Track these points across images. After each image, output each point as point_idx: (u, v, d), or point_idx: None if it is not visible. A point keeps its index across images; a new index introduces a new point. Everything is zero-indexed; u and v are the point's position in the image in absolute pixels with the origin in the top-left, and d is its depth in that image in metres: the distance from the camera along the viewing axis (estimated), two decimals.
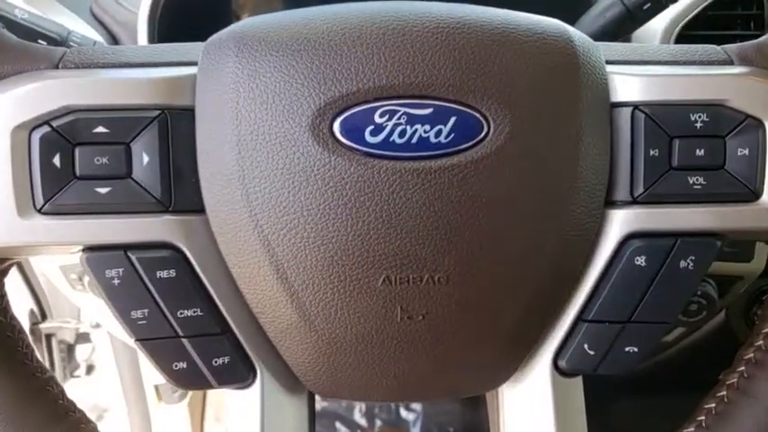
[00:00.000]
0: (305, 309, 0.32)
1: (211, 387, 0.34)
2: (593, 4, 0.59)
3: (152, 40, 0.71)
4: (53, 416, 0.35)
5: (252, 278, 0.32)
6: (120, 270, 0.31)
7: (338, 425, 1.21)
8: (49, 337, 1.15)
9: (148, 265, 0.31)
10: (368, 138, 0.30)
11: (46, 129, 0.30)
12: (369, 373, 0.34)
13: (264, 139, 0.30)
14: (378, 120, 0.30)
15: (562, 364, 0.36)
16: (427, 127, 0.30)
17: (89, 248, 0.31)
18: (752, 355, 0.36)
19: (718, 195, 0.33)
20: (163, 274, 0.31)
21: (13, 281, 1.03)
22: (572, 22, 0.61)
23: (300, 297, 0.31)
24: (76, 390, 1.21)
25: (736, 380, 0.36)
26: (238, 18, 0.85)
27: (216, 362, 0.33)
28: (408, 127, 0.30)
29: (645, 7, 0.54)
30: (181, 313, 0.32)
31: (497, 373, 0.36)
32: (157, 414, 1.16)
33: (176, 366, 0.33)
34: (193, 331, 0.32)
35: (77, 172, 0.30)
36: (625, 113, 0.33)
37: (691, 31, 0.70)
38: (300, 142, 0.30)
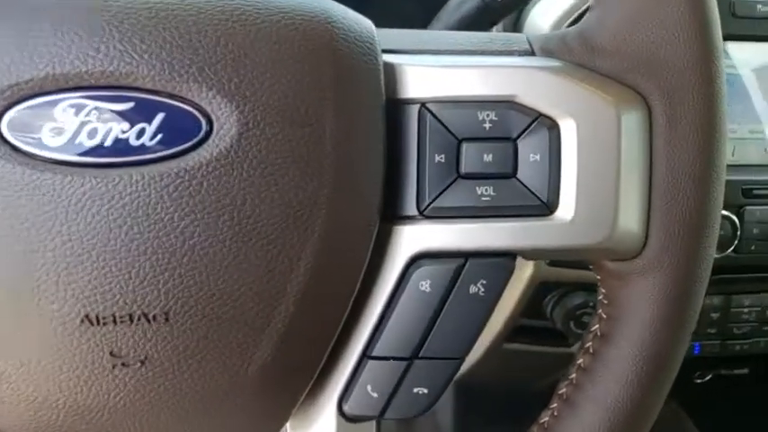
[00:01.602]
0: None
1: None
2: None
3: None
4: None
5: None
6: None
7: None
8: None
9: None
10: (46, 139, 0.24)
11: None
12: None
13: None
14: (59, 116, 0.24)
15: (346, 407, 0.30)
16: (126, 125, 0.24)
17: None
18: (564, 390, 0.32)
19: (509, 209, 0.28)
20: None
21: None
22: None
23: None
24: None
25: (547, 419, 0.32)
26: None
27: None
28: (101, 125, 0.24)
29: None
30: None
31: (260, 423, 0.30)
32: None
33: None
34: None
35: None
36: (411, 112, 0.28)
37: None
38: None
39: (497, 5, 0.50)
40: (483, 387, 1.00)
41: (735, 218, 0.61)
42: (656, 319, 0.29)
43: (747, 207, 0.61)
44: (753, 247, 0.62)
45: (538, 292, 0.71)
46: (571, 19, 0.66)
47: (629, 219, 0.28)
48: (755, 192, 0.62)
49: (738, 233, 0.60)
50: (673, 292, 0.28)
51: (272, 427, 0.31)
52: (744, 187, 0.61)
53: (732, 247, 0.61)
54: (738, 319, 0.69)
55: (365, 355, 0.30)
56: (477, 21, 0.52)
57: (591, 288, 0.70)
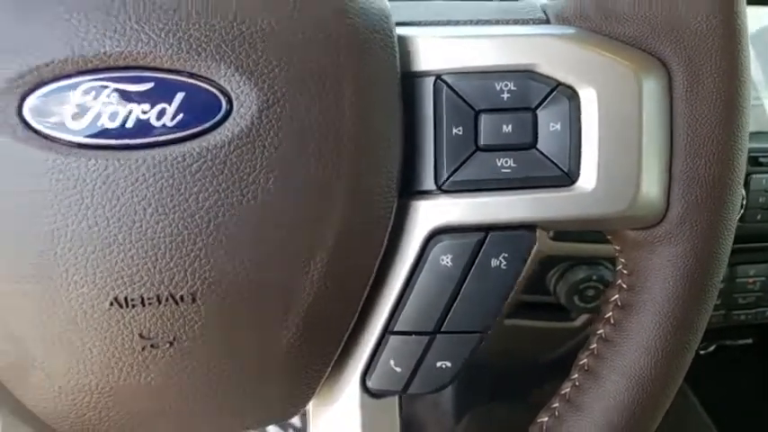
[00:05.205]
0: (22, 343, 0.25)
1: None
2: None
3: None
4: None
5: None
6: None
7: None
8: None
9: None
10: (69, 123, 0.23)
11: None
12: (123, 414, 0.28)
13: None
14: (80, 99, 0.23)
15: (369, 383, 0.31)
16: (146, 106, 0.24)
17: None
18: (585, 360, 0.32)
19: (530, 180, 0.28)
20: None
21: None
22: None
23: (13, 328, 0.25)
24: None
25: (568, 389, 0.32)
26: None
27: None
28: (121, 107, 0.23)
29: None
30: None
31: (285, 400, 0.30)
32: None
33: None
34: None
35: None
36: (427, 85, 0.28)
37: None
38: None
39: None
40: (483, 363, 1.00)
41: None
42: (678, 287, 0.29)
43: (754, 175, 0.61)
44: (759, 217, 0.62)
45: (539, 268, 0.71)
46: None
47: (651, 186, 0.28)
48: (761, 159, 0.61)
49: (744, 202, 0.60)
50: (695, 259, 0.28)
51: (297, 404, 0.31)
52: (749, 155, 0.61)
53: (738, 217, 0.61)
54: (743, 288, 0.69)
55: (387, 331, 0.30)
56: None
57: (593, 262, 0.70)
